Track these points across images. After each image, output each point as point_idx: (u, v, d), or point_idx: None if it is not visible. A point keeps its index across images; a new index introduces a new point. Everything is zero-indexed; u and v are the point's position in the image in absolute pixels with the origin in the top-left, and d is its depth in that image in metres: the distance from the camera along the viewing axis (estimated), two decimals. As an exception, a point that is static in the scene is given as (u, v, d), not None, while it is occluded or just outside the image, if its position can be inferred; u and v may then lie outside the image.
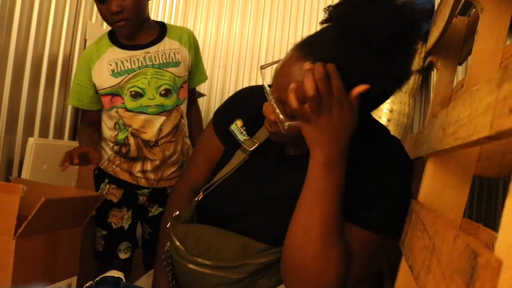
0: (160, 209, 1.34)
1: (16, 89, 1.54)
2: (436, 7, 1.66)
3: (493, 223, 1.34)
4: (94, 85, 1.21)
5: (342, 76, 0.63)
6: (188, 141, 1.37)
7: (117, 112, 1.22)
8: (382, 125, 0.85)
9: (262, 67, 0.73)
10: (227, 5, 2.36)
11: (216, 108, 2.43)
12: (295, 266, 0.68)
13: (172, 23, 2.34)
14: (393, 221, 0.73)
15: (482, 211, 1.46)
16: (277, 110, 0.68)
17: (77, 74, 1.24)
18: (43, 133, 1.70)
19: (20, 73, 1.55)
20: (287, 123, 0.68)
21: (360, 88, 0.64)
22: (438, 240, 0.46)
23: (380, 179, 0.73)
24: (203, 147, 0.97)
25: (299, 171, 0.73)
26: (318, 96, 0.62)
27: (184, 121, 1.32)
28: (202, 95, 2.19)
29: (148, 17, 1.23)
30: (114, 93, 1.21)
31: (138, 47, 1.21)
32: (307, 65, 0.63)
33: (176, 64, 1.23)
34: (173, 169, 1.30)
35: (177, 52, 1.24)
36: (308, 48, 0.66)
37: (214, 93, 2.35)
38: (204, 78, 1.38)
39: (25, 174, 1.51)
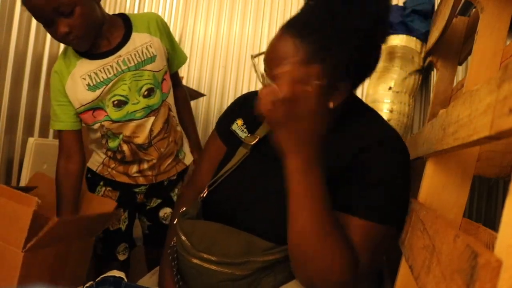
0: (159, 200, 1.31)
1: (16, 89, 1.54)
2: (436, 7, 1.66)
3: (493, 223, 1.34)
4: (72, 103, 1.12)
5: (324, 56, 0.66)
6: (179, 128, 1.30)
7: (102, 125, 1.15)
8: (376, 112, 0.85)
9: (253, 56, 0.77)
10: (227, 5, 2.36)
11: (216, 108, 2.41)
12: (300, 266, 0.69)
13: (172, 23, 2.35)
14: (395, 210, 0.73)
15: (482, 211, 1.46)
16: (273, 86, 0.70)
17: (54, 95, 1.13)
18: (43, 133, 1.70)
19: (20, 73, 1.55)
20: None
21: (337, 102, 0.69)
22: (438, 240, 0.46)
23: (378, 167, 0.73)
24: (207, 152, 0.99)
25: None
26: (291, 98, 0.64)
27: (173, 112, 1.26)
28: (202, 95, 2.19)
29: (106, 18, 1.12)
30: (95, 107, 1.13)
31: (107, 53, 1.11)
32: (286, 67, 0.65)
33: (152, 59, 1.15)
34: (169, 161, 1.27)
35: (150, 46, 1.15)
36: (295, 27, 0.70)
37: (214, 93, 2.35)
38: (184, 59, 1.29)
39: (25, 174, 1.51)
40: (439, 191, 0.68)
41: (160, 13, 2.35)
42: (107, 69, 1.11)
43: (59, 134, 1.16)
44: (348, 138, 0.76)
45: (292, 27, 0.70)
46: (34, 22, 1.59)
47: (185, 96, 1.37)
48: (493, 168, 0.82)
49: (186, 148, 1.34)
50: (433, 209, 0.66)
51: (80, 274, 1.10)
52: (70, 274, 1.05)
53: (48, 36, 1.68)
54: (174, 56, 1.25)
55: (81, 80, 1.10)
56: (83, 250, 1.09)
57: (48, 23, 1.01)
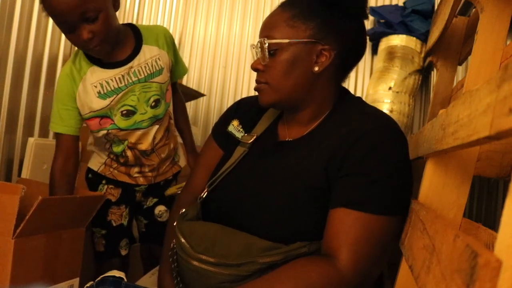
0: (155, 199, 1.34)
1: (16, 89, 1.54)
2: (436, 7, 1.66)
3: (493, 223, 1.34)
4: (78, 109, 1.14)
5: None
6: (176, 133, 1.35)
7: (108, 133, 1.17)
8: (372, 107, 0.86)
9: (252, 46, 0.86)
10: (227, 5, 2.36)
11: (216, 108, 2.41)
12: None
13: (172, 23, 2.35)
14: (392, 199, 0.72)
15: (482, 211, 1.46)
16: (260, 53, 0.81)
17: (61, 98, 1.13)
18: (43, 133, 1.70)
19: (20, 73, 1.55)
20: (267, 55, 0.80)
21: (321, 67, 0.80)
22: (438, 240, 0.46)
23: (372, 158, 0.73)
24: (203, 157, 1.01)
25: (296, 152, 0.80)
26: None
27: (172, 120, 1.30)
28: (202, 95, 2.19)
29: (120, 27, 1.13)
30: (103, 115, 1.15)
31: (119, 63, 1.13)
32: None
33: (160, 71, 1.19)
34: (167, 164, 1.32)
35: (158, 59, 1.19)
36: (283, 4, 0.84)
37: (214, 93, 2.35)
38: (185, 71, 1.33)
39: (25, 174, 1.51)
40: (439, 191, 0.68)
41: (160, 14, 2.36)
42: (119, 78, 1.13)
43: (58, 135, 1.16)
44: (340, 131, 0.78)
45: (281, 4, 0.84)
46: (34, 22, 1.59)
47: (182, 101, 1.40)
48: (493, 168, 0.82)
49: (180, 151, 1.39)
50: (433, 209, 0.66)
51: (75, 267, 1.11)
52: (63, 265, 1.07)
53: (48, 36, 1.68)
54: (176, 68, 1.29)
55: (92, 87, 1.12)
56: (75, 240, 1.11)
57: (71, 29, 1.01)
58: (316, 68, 0.79)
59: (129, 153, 1.22)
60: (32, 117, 1.64)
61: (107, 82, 1.12)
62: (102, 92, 1.12)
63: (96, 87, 1.12)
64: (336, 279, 0.68)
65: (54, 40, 1.71)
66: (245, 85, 2.32)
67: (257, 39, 0.84)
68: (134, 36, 1.18)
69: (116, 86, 1.13)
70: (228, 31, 2.35)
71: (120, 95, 1.13)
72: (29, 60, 1.58)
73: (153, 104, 1.18)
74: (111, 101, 1.13)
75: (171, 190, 1.33)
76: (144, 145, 1.21)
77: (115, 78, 1.13)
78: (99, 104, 1.12)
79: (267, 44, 0.79)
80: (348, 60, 0.84)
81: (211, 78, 2.35)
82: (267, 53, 0.80)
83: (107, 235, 1.27)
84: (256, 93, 0.87)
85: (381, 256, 0.73)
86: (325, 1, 0.80)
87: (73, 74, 1.12)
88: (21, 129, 1.58)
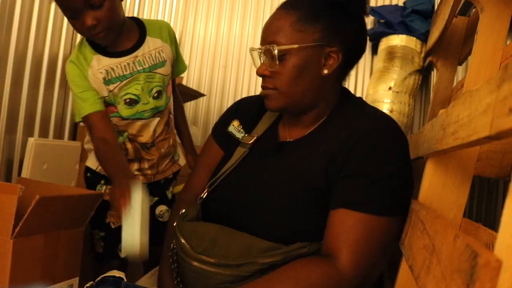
0: (156, 198, 1.34)
1: (16, 89, 1.54)
2: (436, 7, 1.66)
3: (493, 223, 1.34)
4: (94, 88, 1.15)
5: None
6: (175, 131, 1.36)
7: (111, 121, 1.18)
8: (373, 107, 0.86)
9: (252, 50, 0.84)
10: (227, 5, 2.36)
11: (216, 108, 2.41)
12: None
13: (172, 23, 2.35)
14: (392, 200, 0.72)
15: (482, 211, 1.46)
16: (266, 59, 0.79)
17: (78, 83, 1.13)
18: (43, 133, 1.70)
19: (20, 73, 1.55)
20: (277, 62, 0.78)
21: (330, 69, 0.80)
22: (438, 240, 0.46)
23: (371, 159, 0.73)
24: (203, 157, 1.01)
25: (297, 153, 0.80)
26: None
27: (172, 115, 1.32)
28: (202, 95, 2.19)
29: (125, 19, 1.16)
30: (108, 102, 1.17)
31: (124, 52, 1.15)
32: None
33: (163, 63, 1.21)
34: (166, 161, 1.32)
35: (161, 51, 1.21)
36: (285, 4, 0.81)
37: (214, 93, 2.35)
38: (184, 68, 1.34)
39: (25, 174, 1.51)
40: (439, 191, 0.68)
41: (160, 13, 2.36)
42: (124, 66, 1.15)
43: (88, 121, 1.12)
44: (340, 133, 0.78)
45: (282, 6, 0.81)
46: (34, 22, 1.59)
47: (180, 102, 1.42)
48: (493, 168, 0.82)
49: (180, 150, 1.40)
50: (433, 209, 0.66)
51: (74, 266, 1.10)
52: (62, 266, 1.06)
53: (48, 36, 1.68)
54: (176, 64, 1.30)
55: (98, 73, 1.13)
56: (74, 240, 1.11)
57: (75, 15, 1.02)
58: (325, 71, 0.79)
59: (129, 145, 1.22)
60: (32, 117, 1.64)
61: (112, 69, 1.14)
62: (107, 78, 1.14)
63: (101, 73, 1.13)
64: (336, 280, 0.68)
65: (54, 40, 1.71)
66: (245, 85, 2.31)
67: (257, 39, 0.83)
68: (138, 28, 1.20)
69: (121, 73, 1.15)
70: (228, 31, 2.35)
71: (124, 82, 1.15)
72: (29, 60, 1.58)
73: (155, 95, 1.20)
74: (114, 88, 1.14)
75: (178, 189, 1.33)
76: (145, 138, 1.22)
77: (120, 65, 1.15)
78: (104, 90, 1.14)
79: (276, 51, 0.77)
80: (351, 59, 0.84)
81: (211, 78, 2.35)
82: (276, 60, 0.77)
83: (106, 238, 1.27)
84: (256, 93, 0.87)
85: (382, 257, 0.73)
86: (328, 2, 0.79)
87: (80, 60, 1.13)
88: (21, 129, 1.58)
